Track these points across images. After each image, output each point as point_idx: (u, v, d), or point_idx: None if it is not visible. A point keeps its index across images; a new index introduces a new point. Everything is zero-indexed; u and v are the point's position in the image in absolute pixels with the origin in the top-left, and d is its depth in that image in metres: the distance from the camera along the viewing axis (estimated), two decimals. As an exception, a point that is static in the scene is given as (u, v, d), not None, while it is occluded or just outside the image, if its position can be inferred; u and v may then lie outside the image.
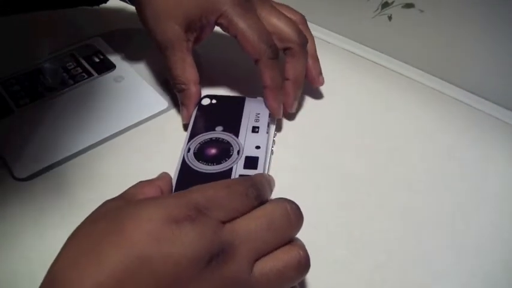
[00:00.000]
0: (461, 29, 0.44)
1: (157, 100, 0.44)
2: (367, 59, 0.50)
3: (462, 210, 0.37)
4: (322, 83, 0.44)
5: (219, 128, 0.39)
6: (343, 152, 0.40)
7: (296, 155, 0.40)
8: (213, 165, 0.36)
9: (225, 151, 0.36)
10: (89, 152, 0.39)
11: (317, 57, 0.44)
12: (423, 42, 0.48)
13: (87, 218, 0.26)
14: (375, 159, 0.40)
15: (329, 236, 0.34)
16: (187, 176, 0.35)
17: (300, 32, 0.41)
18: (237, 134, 0.38)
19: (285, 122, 0.43)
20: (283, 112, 0.42)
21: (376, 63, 0.50)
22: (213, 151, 0.37)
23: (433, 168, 0.39)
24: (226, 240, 0.25)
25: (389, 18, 0.48)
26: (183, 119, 0.41)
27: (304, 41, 0.41)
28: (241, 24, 0.38)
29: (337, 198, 0.37)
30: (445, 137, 0.42)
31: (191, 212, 0.25)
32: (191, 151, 0.37)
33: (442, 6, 0.44)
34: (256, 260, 0.25)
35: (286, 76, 0.41)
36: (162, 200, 0.26)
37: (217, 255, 0.24)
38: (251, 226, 0.26)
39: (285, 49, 0.41)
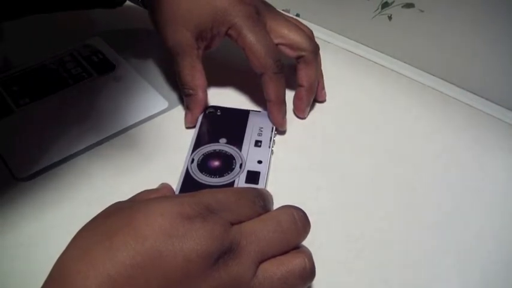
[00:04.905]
0: (461, 29, 0.44)
1: (157, 100, 0.44)
2: (367, 59, 0.50)
3: (462, 210, 0.37)
4: (324, 98, 0.45)
5: (222, 140, 0.39)
6: (343, 152, 0.40)
7: (296, 155, 0.40)
8: (216, 177, 0.36)
9: (228, 164, 0.37)
10: (88, 152, 0.39)
11: (322, 72, 0.44)
12: (423, 42, 0.48)
13: (98, 214, 0.26)
14: (375, 159, 0.40)
15: (329, 236, 0.34)
16: (190, 187, 0.35)
17: (311, 40, 0.42)
18: (240, 148, 0.38)
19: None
20: (300, 117, 0.43)
21: (376, 63, 0.50)
22: (216, 163, 0.37)
23: (433, 168, 0.40)
24: (235, 239, 0.25)
25: (389, 18, 0.48)
26: (186, 123, 0.41)
27: (316, 48, 0.42)
28: (250, 37, 0.39)
29: (337, 198, 0.37)
30: (445, 136, 0.42)
31: (202, 210, 0.25)
32: (195, 162, 0.37)
33: (442, 6, 0.44)
34: (261, 262, 0.26)
35: (300, 83, 0.42)
36: (174, 198, 0.26)
37: (225, 254, 0.24)
38: (257, 227, 0.26)
39: (298, 57, 0.41)
